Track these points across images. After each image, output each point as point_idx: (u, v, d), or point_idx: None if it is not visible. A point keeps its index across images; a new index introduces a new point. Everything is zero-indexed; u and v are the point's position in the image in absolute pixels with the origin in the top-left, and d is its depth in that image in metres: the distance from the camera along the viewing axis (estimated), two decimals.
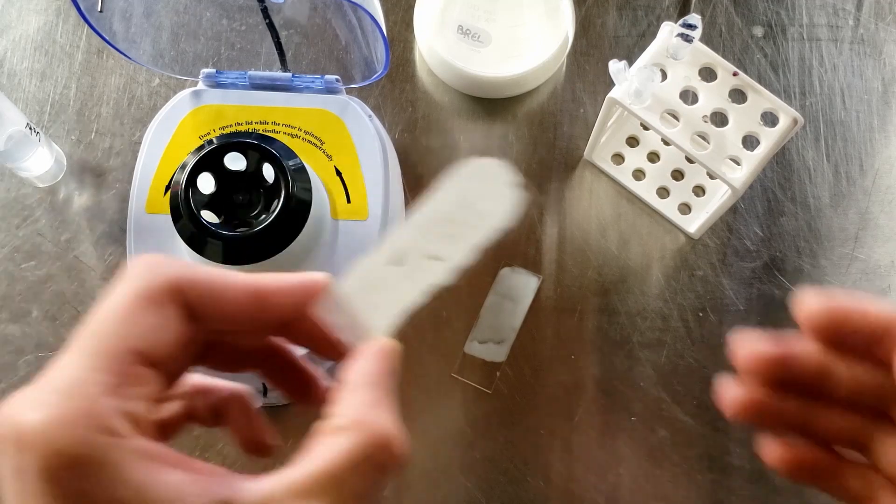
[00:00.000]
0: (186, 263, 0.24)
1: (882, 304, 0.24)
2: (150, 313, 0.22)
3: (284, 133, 0.48)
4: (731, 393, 0.26)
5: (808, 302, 0.25)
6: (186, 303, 0.23)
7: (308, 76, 0.49)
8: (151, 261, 0.23)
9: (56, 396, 0.20)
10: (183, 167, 0.42)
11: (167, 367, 0.23)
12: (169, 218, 0.42)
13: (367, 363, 0.24)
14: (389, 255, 0.26)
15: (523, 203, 0.25)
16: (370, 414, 0.22)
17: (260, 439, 0.27)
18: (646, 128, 0.53)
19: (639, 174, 0.53)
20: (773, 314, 0.50)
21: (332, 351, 0.26)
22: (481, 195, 0.25)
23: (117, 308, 0.22)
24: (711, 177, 0.51)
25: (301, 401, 0.28)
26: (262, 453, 0.27)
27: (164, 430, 0.26)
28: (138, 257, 0.24)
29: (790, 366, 0.25)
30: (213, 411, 0.27)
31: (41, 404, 0.20)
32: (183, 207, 0.41)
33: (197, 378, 0.28)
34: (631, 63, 0.44)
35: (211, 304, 0.23)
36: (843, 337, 0.25)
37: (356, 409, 0.23)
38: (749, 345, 0.25)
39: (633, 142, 0.54)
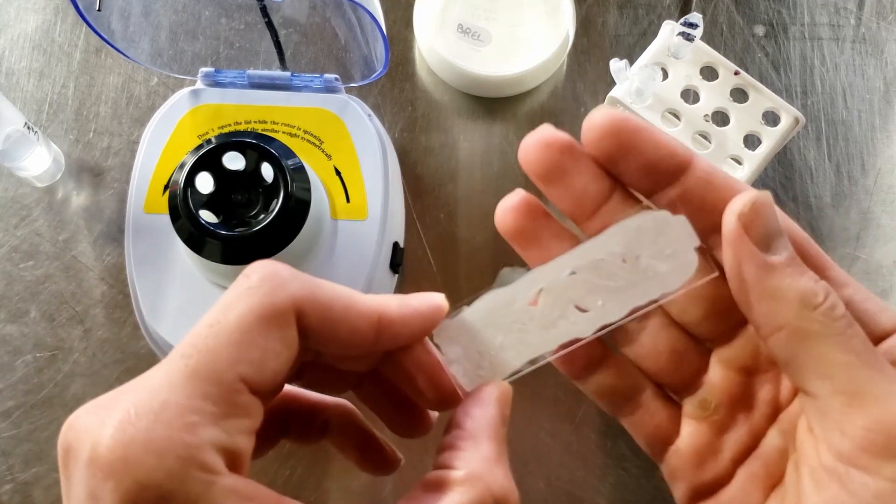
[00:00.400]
0: (309, 279, 0.21)
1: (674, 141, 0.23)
2: (269, 337, 0.20)
3: (283, 132, 0.48)
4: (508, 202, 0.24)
5: (598, 114, 0.22)
6: (304, 325, 0.21)
7: (307, 75, 0.49)
8: (274, 273, 0.21)
9: (146, 420, 0.18)
10: (181, 167, 0.42)
11: (272, 394, 0.21)
12: (167, 217, 0.42)
13: (489, 411, 0.22)
14: (527, 291, 0.23)
15: (699, 273, 0.22)
16: (492, 470, 0.21)
17: (379, 456, 0.26)
18: None
19: None
20: None
21: (434, 388, 0.24)
22: (654, 253, 0.22)
23: (232, 327, 0.20)
24: None
25: (399, 431, 0.26)
26: (383, 471, 0.26)
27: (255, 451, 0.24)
28: (257, 265, 0.21)
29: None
30: (311, 426, 0.25)
31: (127, 424, 0.18)
32: (181, 207, 0.41)
33: (289, 389, 0.25)
34: (632, 62, 0.44)
35: (330, 329, 0.21)
36: (625, 161, 0.22)
37: (478, 463, 0.21)
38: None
39: None
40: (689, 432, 0.25)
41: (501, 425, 0.22)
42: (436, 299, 0.23)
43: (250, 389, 0.20)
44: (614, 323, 0.23)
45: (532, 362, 0.23)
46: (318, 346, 0.22)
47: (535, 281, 0.23)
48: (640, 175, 0.22)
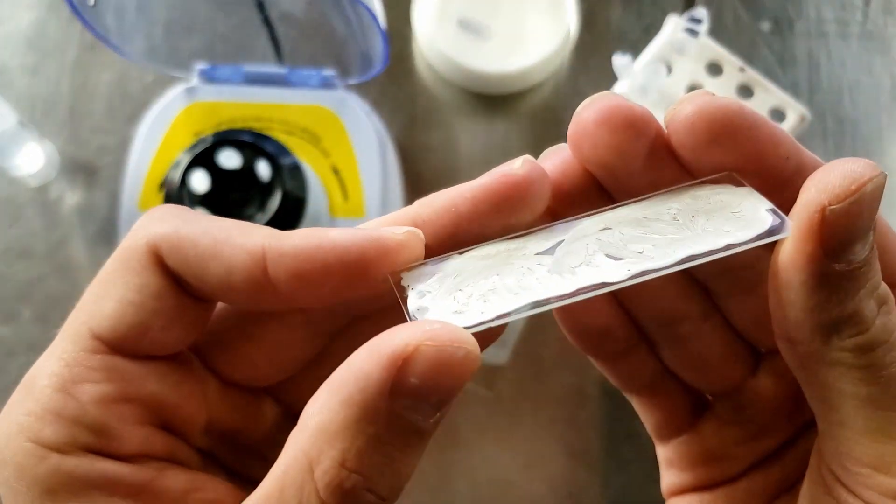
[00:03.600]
0: (184, 216, 0.18)
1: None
2: (126, 286, 0.17)
3: (280, 130, 0.48)
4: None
5: (703, 102, 0.17)
6: (172, 268, 0.18)
7: (304, 71, 0.48)
8: (146, 215, 0.18)
9: (16, 393, 0.17)
10: (176, 165, 0.42)
11: (157, 351, 0.18)
12: None
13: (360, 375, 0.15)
14: (541, 242, 0.17)
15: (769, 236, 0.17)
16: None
17: None
18: None
19: None
20: None
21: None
22: (714, 214, 0.17)
23: (95, 279, 0.18)
24: None
25: None
26: None
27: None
28: (144, 217, 0.19)
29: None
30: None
31: (7, 404, 0.17)
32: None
33: None
34: (636, 58, 0.43)
35: (199, 268, 0.17)
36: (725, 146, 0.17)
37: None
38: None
39: None
40: (711, 430, 0.22)
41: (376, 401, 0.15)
42: (383, 237, 0.17)
43: (112, 348, 0.17)
44: (659, 270, 0.16)
45: (533, 307, 0.17)
46: (198, 290, 0.18)
47: (555, 234, 0.18)
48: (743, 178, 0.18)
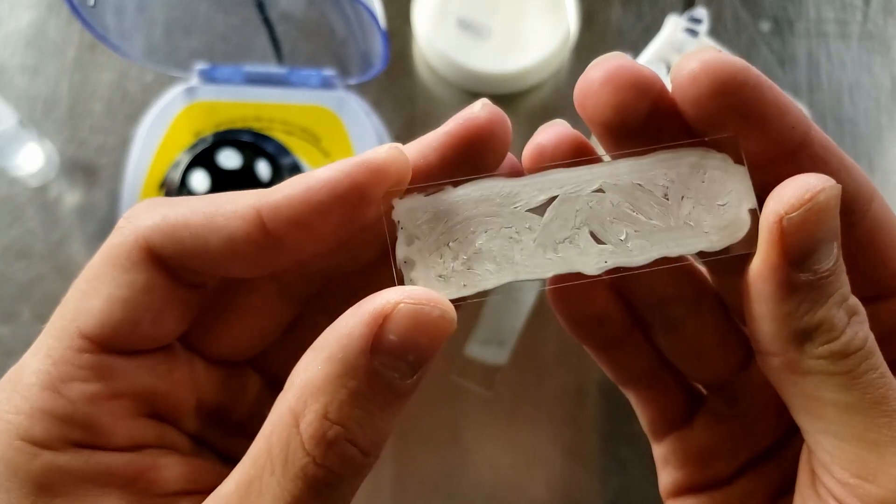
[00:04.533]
0: (168, 203, 0.18)
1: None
2: (113, 283, 0.17)
3: (280, 130, 0.48)
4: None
5: (708, 58, 0.17)
6: (166, 256, 0.17)
7: (304, 71, 0.48)
8: (130, 212, 0.18)
9: (0, 391, 0.17)
10: (176, 165, 0.42)
11: (143, 346, 0.18)
12: None
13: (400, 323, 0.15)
14: (536, 194, 0.17)
15: (745, 240, 0.18)
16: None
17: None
18: None
19: None
20: None
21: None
22: (702, 198, 0.18)
23: (80, 277, 0.18)
24: None
25: None
26: None
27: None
28: (131, 210, 0.18)
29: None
30: None
31: None
32: None
33: None
34: (636, 58, 0.43)
35: (198, 247, 0.17)
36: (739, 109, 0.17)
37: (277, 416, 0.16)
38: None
39: None
40: (705, 426, 0.22)
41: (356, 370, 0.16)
42: (368, 158, 0.17)
43: (100, 346, 0.17)
44: (629, 268, 0.17)
45: (508, 286, 0.17)
46: (196, 273, 0.18)
47: (550, 184, 0.18)
48: (739, 137, 0.17)
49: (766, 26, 0.56)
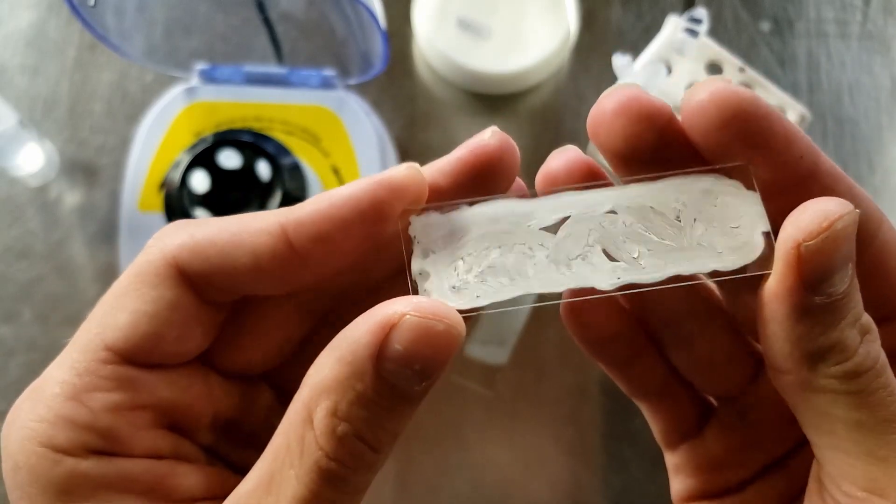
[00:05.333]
0: (196, 224, 0.19)
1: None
2: (140, 299, 0.18)
3: (280, 130, 0.48)
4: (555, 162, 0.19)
5: (716, 90, 0.17)
6: (194, 273, 0.18)
7: (304, 71, 0.48)
8: (160, 232, 0.19)
9: (26, 393, 0.18)
10: (176, 165, 0.42)
11: (169, 361, 0.19)
12: (163, 216, 0.42)
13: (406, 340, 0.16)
14: (549, 213, 0.18)
15: (759, 262, 0.18)
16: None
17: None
18: None
19: None
20: None
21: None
22: (715, 224, 0.18)
23: (108, 293, 0.18)
24: None
25: None
26: None
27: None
28: (161, 230, 0.19)
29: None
30: None
31: (19, 399, 0.18)
32: (177, 205, 0.41)
33: None
34: (636, 58, 0.43)
35: (226, 264, 0.18)
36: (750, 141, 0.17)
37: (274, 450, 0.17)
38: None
39: None
40: (716, 436, 0.23)
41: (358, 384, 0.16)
42: (387, 176, 0.18)
43: (124, 358, 0.18)
44: (642, 286, 0.17)
45: (519, 301, 0.18)
46: (222, 290, 0.19)
47: (563, 205, 0.18)
48: (751, 164, 0.18)
49: (766, 26, 0.56)
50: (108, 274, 0.50)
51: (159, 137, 0.48)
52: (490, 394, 0.48)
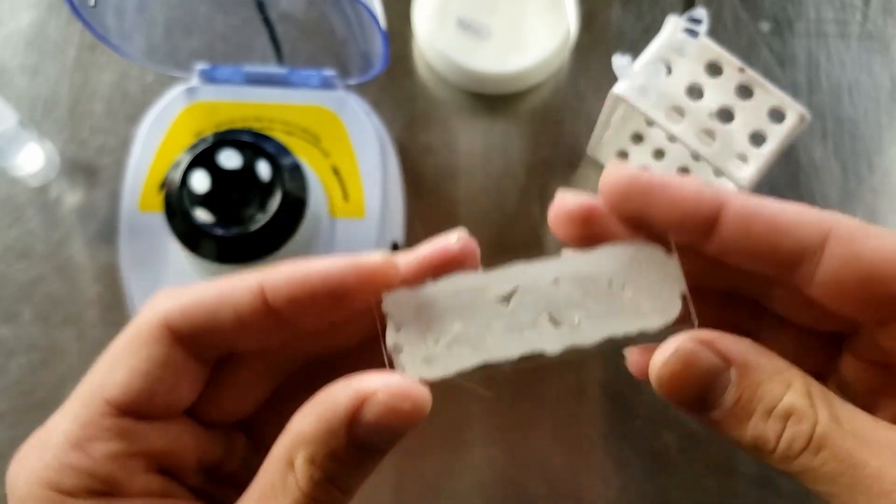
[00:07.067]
0: (188, 289, 0.21)
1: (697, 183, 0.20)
2: (136, 357, 0.20)
3: (280, 130, 0.48)
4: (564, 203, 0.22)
5: (608, 178, 0.20)
6: (185, 333, 0.21)
7: (304, 71, 0.48)
8: (153, 297, 0.21)
9: (31, 441, 0.21)
10: (177, 165, 0.42)
11: (162, 414, 0.21)
12: (163, 216, 0.42)
13: (339, 406, 0.19)
14: (502, 285, 0.21)
15: (676, 317, 0.21)
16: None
17: None
18: (650, 124, 0.52)
19: None
20: None
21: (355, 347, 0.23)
22: (641, 287, 0.21)
23: (107, 352, 0.21)
24: (718, 174, 0.50)
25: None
26: None
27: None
28: (154, 297, 0.22)
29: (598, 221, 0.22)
30: None
31: (24, 447, 0.21)
32: (177, 206, 0.41)
33: None
34: (635, 58, 0.44)
35: (211, 324, 0.20)
36: (646, 222, 0.20)
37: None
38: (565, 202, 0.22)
39: (637, 138, 0.53)
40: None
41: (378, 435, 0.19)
42: (361, 262, 0.20)
43: (122, 411, 0.20)
44: (583, 346, 0.21)
45: (484, 366, 0.21)
46: (207, 346, 0.21)
47: (514, 277, 0.21)
48: (669, 231, 0.20)
49: (765, 26, 0.56)
50: (108, 274, 0.50)
51: (159, 137, 0.48)
52: (490, 394, 0.48)
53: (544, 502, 0.46)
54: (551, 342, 0.21)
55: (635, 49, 0.54)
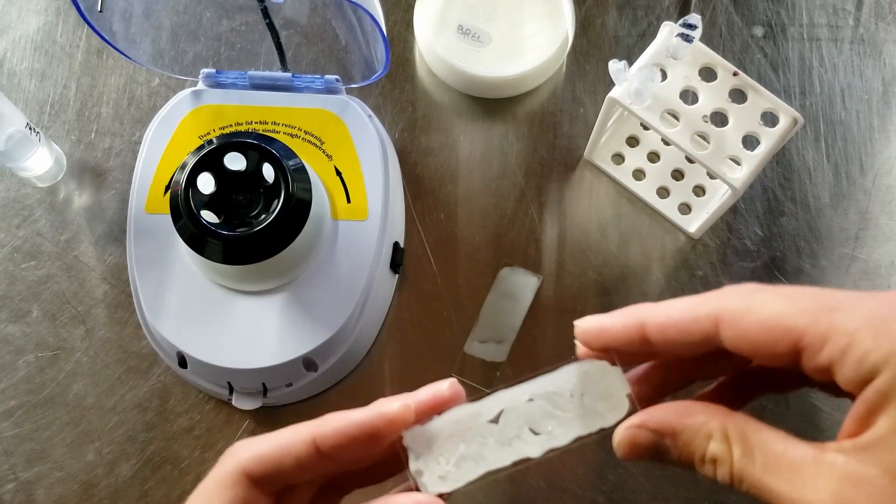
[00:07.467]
0: (259, 440, 0.27)
1: (629, 312, 0.25)
2: (220, 498, 0.26)
3: (284, 133, 0.48)
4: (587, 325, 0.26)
5: (578, 330, 0.27)
6: (258, 477, 0.26)
7: (308, 76, 0.49)
8: (231, 449, 0.27)
9: None
10: (183, 167, 0.42)
11: None
12: (169, 218, 0.42)
13: None
14: (490, 410, 0.27)
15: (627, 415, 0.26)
16: None
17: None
18: (646, 128, 0.53)
19: (639, 174, 0.53)
20: None
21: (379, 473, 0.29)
22: (595, 393, 0.27)
23: (194, 496, 0.26)
24: (711, 177, 0.51)
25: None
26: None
27: None
28: (231, 448, 0.28)
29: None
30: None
31: None
32: (183, 207, 0.41)
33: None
34: (631, 63, 0.44)
35: (277, 469, 0.26)
36: (618, 350, 0.26)
37: None
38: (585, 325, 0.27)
39: (633, 142, 0.54)
40: None
41: None
42: (385, 411, 0.26)
43: None
44: (559, 448, 0.26)
45: (488, 475, 0.26)
46: (275, 485, 0.27)
47: (499, 402, 0.27)
48: (613, 354, 0.26)
49: (759, 31, 0.57)
50: (114, 274, 0.51)
51: (166, 140, 0.48)
52: (489, 392, 0.49)
53: (541, 497, 0.47)
54: (534, 449, 0.26)
55: (631, 54, 0.55)
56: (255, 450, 0.27)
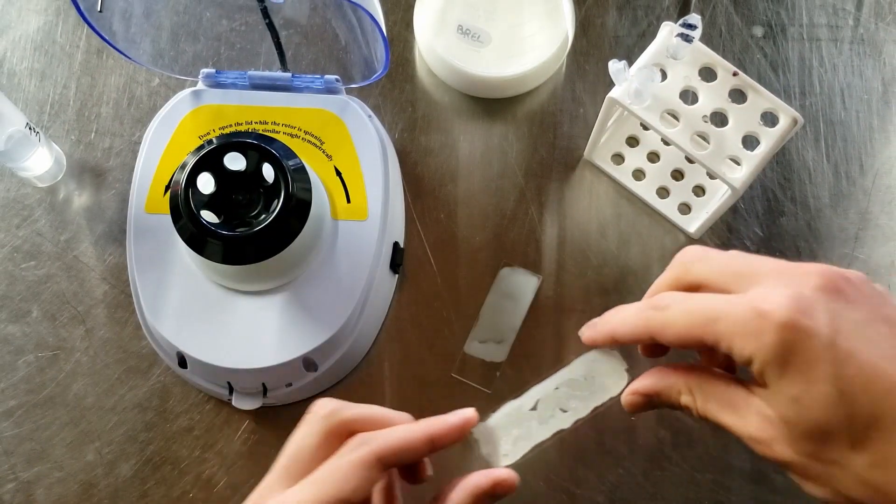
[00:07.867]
0: (362, 416, 0.33)
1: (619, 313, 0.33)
2: (356, 476, 0.30)
3: (284, 133, 0.48)
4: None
5: (584, 337, 0.34)
6: (386, 464, 0.31)
7: (308, 76, 0.49)
8: (332, 415, 0.33)
9: None
10: (183, 167, 0.42)
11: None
12: (169, 218, 0.43)
13: (482, 484, 0.32)
14: (530, 401, 0.35)
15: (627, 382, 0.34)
16: None
17: (420, 471, 0.34)
18: (646, 128, 0.53)
19: (639, 174, 0.53)
20: None
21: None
22: (602, 373, 0.35)
23: (323, 472, 0.31)
24: (711, 177, 0.51)
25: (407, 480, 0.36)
26: (416, 482, 0.35)
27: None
28: (318, 403, 0.33)
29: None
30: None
31: None
32: (183, 207, 0.41)
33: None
34: (631, 63, 0.44)
35: (399, 461, 0.31)
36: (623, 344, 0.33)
37: None
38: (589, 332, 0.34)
39: (633, 142, 0.54)
40: None
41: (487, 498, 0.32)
42: (465, 413, 0.33)
43: None
44: (583, 418, 0.35)
45: (537, 447, 0.34)
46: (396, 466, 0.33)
47: (535, 394, 0.35)
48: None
49: (759, 31, 0.57)
50: (114, 274, 0.51)
51: (166, 140, 0.48)
52: (489, 392, 0.49)
53: (540, 498, 0.47)
54: (566, 422, 0.35)
55: (631, 54, 0.55)
56: (386, 441, 0.31)
